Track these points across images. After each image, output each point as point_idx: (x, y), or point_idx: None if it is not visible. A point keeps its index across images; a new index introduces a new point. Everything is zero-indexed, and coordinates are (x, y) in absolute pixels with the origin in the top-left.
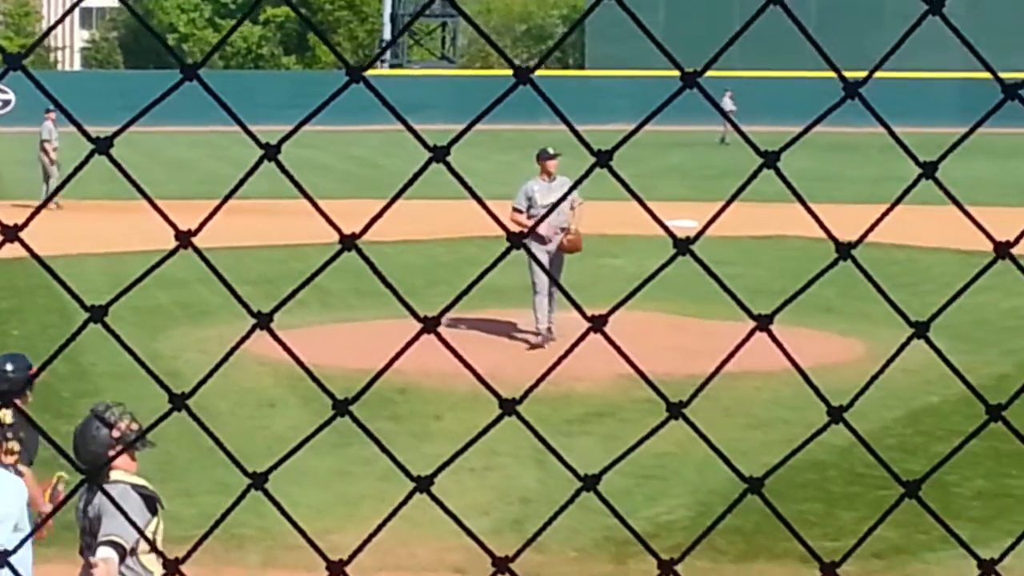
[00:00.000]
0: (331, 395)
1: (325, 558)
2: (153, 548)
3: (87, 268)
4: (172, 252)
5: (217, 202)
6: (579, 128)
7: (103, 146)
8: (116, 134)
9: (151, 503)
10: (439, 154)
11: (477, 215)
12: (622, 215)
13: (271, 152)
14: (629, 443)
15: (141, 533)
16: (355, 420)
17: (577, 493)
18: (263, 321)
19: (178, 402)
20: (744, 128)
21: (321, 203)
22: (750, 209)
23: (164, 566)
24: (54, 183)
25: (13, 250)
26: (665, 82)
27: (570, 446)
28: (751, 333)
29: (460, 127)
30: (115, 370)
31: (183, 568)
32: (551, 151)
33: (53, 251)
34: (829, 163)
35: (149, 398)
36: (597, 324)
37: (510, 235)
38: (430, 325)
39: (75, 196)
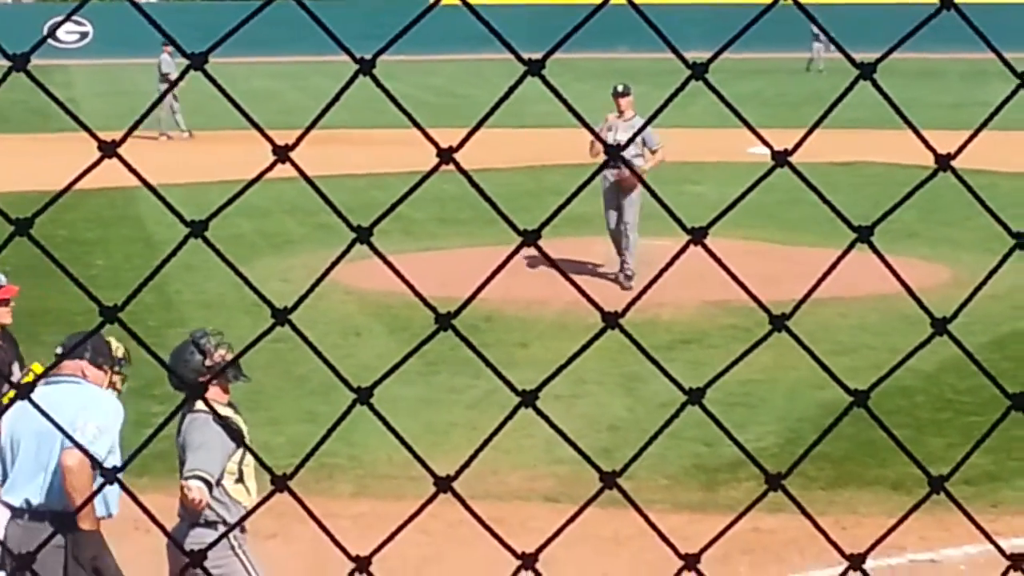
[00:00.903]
0: (433, 308)
1: (432, 473)
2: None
3: (169, 197)
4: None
5: (300, 131)
6: (653, 56)
7: (198, 62)
8: (209, 50)
9: (233, 434)
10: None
11: (559, 143)
12: (701, 142)
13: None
14: (717, 369)
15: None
16: (458, 333)
17: (682, 407)
18: (363, 235)
19: (281, 317)
20: (830, 54)
21: (401, 133)
22: (828, 135)
23: (272, 482)
24: (180, 117)
25: (97, 180)
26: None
27: (657, 372)
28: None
29: (537, 55)
30: (201, 299)
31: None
32: (621, 88)
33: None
34: (909, 89)
35: (236, 327)
36: (697, 236)
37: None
38: (530, 240)
39: (156, 129)
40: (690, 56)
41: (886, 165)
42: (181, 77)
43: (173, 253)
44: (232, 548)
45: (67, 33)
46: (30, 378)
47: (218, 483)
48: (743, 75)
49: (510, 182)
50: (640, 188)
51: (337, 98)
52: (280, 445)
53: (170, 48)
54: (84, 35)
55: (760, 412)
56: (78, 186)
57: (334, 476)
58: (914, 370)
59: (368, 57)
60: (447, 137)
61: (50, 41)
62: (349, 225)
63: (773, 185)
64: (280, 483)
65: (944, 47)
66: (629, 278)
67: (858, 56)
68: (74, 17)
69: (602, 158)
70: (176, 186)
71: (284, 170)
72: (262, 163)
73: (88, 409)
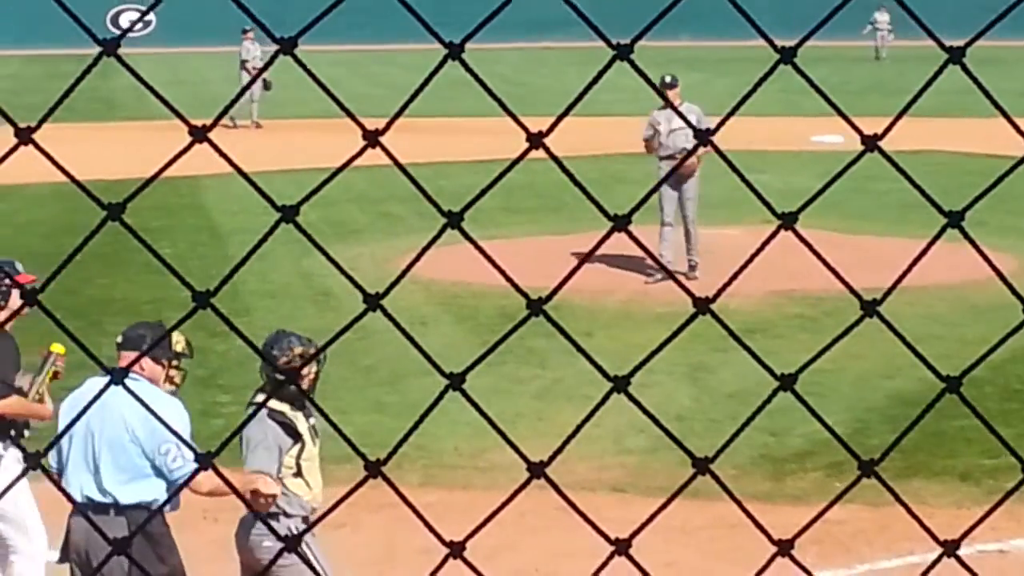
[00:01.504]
0: (525, 295)
1: (525, 459)
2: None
3: (234, 186)
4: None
5: (365, 120)
6: (717, 44)
7: (287, 46)
8: (299, 34)
9: (289, 430)
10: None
11: (622, 131)
12: (764, 130)
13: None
14: (784, 358)
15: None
16: (548, 319)
17: (774, 392)
18: (454, 220)
19: (372, 302)
20: (899, 43)
21: (467, 121)
22: (898, 123)
23: (365, 467)
24: (256, 107)
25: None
26: None
27: (725, 361)
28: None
29: (599, 45)
30: (266, 288)
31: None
32: (669, 79)
33: (203, 170)
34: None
35: (300, 318)
36: (788, 221)
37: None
38: (621, 225)
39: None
40: (751, 45)
41: (952, 153)
42: (271, 62)
43: (264, 238)
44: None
45: (130, 22)
46: (61, 351)
47: (277, 478)
48: (807, 63)
49: (576, 169)
50: (697, 179)
51: (426, 83)
52: (348, 435)
53: (252, 34)
54: (147, 23)
55: (828, 401)
56: (141, 174)
57: (402, 466)
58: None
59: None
60: (512, 126)
61: (113, 29)
62: (440, 210)
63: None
64: (373, 469)
65: (1010, 34)
66: (693, 268)
67: (920, 43)
68: (138, 6)
69: (660, 152)
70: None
71: (366, 157)
72: (326, 151)
73: (157, 427)
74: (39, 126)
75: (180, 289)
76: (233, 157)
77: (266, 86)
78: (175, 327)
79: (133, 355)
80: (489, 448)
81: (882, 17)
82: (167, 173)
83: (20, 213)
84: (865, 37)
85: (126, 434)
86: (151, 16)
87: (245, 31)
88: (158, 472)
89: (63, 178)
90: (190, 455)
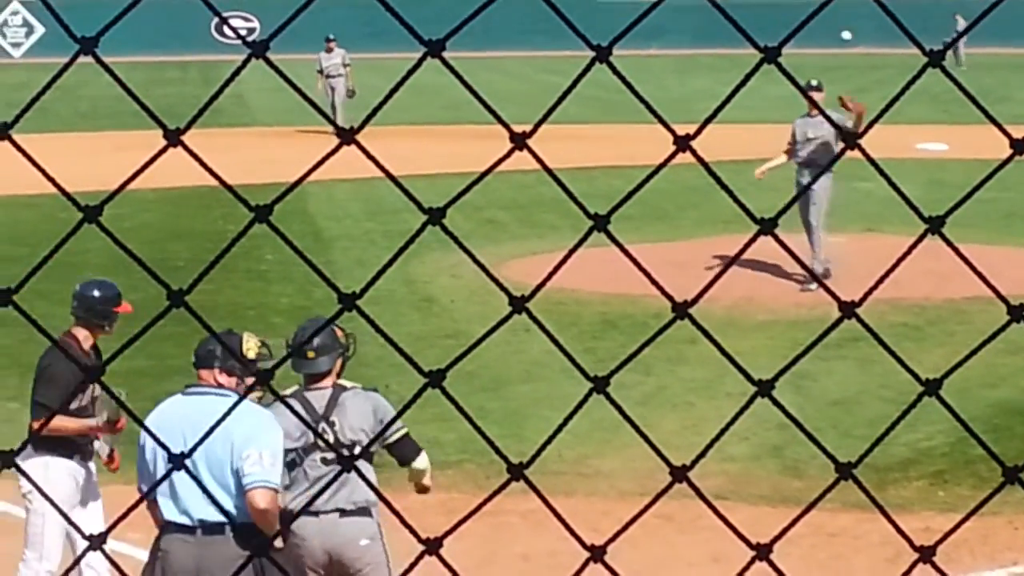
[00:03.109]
0: (671, 298)
1: (669, 463)
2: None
3: (337, 192)
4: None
5: (466, 127)
6: (817, 52)
7: (436, 48)
8: (446, 37)
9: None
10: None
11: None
12: (869, 138)
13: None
14: (887, 366)
15: None
16: (693, 322)
17: (920, 397)
18: (600, 224)
19: (518, 305)
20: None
21: (571, 128)
22: (992, 131)
23: (508, 471)
24: (340, 112)
25: (265, 175)
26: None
27: (828, 370)
28: None
29: (703, 52)
30: (370, 295)
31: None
32: (815, 83)
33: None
34: None
35: (405, 323)
36: (934, 225)
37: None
38: (767, 229)
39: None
40: (858, 51)
41: None
42: (419, 65)
43: (412, 240)
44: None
45: (242, 30)
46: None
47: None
48: (904, 71)
49: (677, 178)
50: (824, 187)
51: (569, 91)
52: (450, 441)
53: (334, 44)
54: (252, 31)
55: (931, 411)
56: (246, 181)
57: (503, 472)
58: None
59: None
60: (616, 133)
61: (217, 37)
62: (587, 213)
63: (941, 181)
64: (516, 472)
65: None
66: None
67: (1009, 51)
68: (243, 13)
69: (796, 160)
70: (344, 181)
71: (451, 164)
72: (425, 158)
73: (251, 435)
74: (188, 128)
75: (282, 295)
76: (333, 162)
77: (349, 94)
78: (324, 326)
79: (207, 373)
80: (591, 455)
81: (962, 23)
82: (274, 179)
83: (126, 219)
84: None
85: (232, 451)
86: (256, 23)
87: (328, 40)
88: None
89: (166, 184)
90: (270, 467)
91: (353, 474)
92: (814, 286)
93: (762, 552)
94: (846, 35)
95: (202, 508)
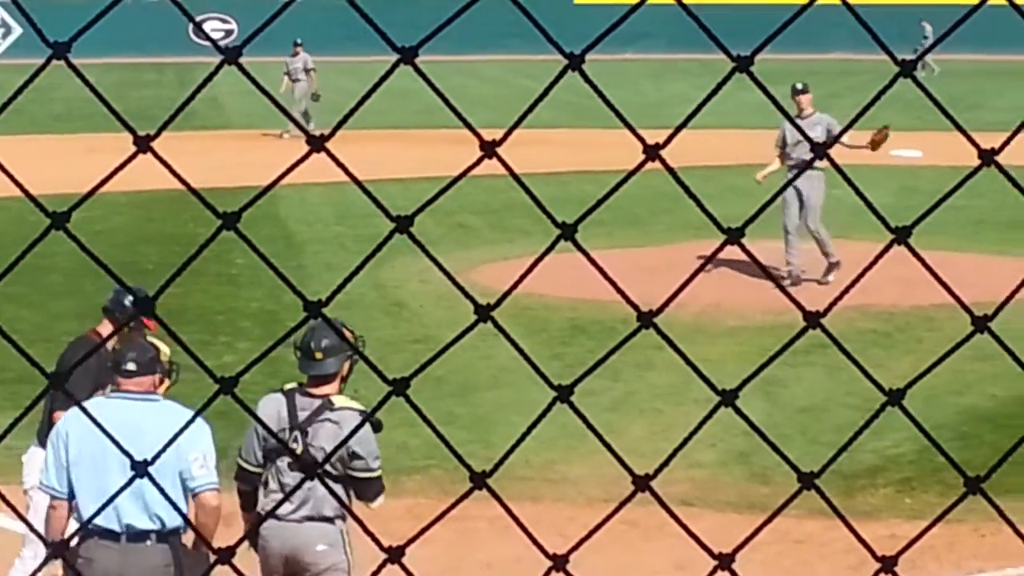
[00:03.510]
0: (636, 307)
1: (631, 472)
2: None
3: (309, 196)
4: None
5: (439, 131)
6: (798, 57)
7: (408, 55)
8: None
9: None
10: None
11: (696, 144)
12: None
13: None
14: (855, 373)
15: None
16: (658, 331)
17: (882, 407)
18: (568, 232)
19: (483, 313)
20: (946, 56)
21: (544, 133)
22: (960, 138)
23: (471, 479)
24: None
25: (236, 179)
26: (883, 10)
27: (797, 376)
28: None
29: (680, 57)
30: (340, 299)
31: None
32: (800, 85)
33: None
34: None
35: (376, 328)
36: (901, 236)
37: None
38: (735, 237)
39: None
40: (837, 57)
41: None
42: (391, 72)
43: (379, 247)
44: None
45: (213, 31)
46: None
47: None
48: (879, 77)
49: (649, 184)
50: (820, 190)
51: (541, 99)
52: (416, 446)
53: (300, 49)
54: (229, 32)
55: (897, 418)
56: (214, 184)
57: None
58: None
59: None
60: (589, 139)
61: (195, 39)
62: (554, 221)
63: (914, 188)
64: (479, 480)
65: None
66: (831, 269)
67: (981, 57)
68: (220, 15)
69: (787, 163)
70: (316, 185)
71: (423, 169)
72: (398, 162)
73: (192, 439)
74: (158, 134)
75: (252, 300)
76: (305, 167)
77: (314, 97)
78: (285, 338)
79: (148, 380)
80: (558, 461)
81: (929, 30)
82: (247, 182)
83: (97, 221)
84: (907, 51)
85: (172, 456)
86: (234, 25)
87: (295, 44)
88: (181, 482)
89: (137, 187)
90: (213, 468)
91: (316, 486)
92: (831, 276)
93: (724, 561)
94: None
95: (130, 514)
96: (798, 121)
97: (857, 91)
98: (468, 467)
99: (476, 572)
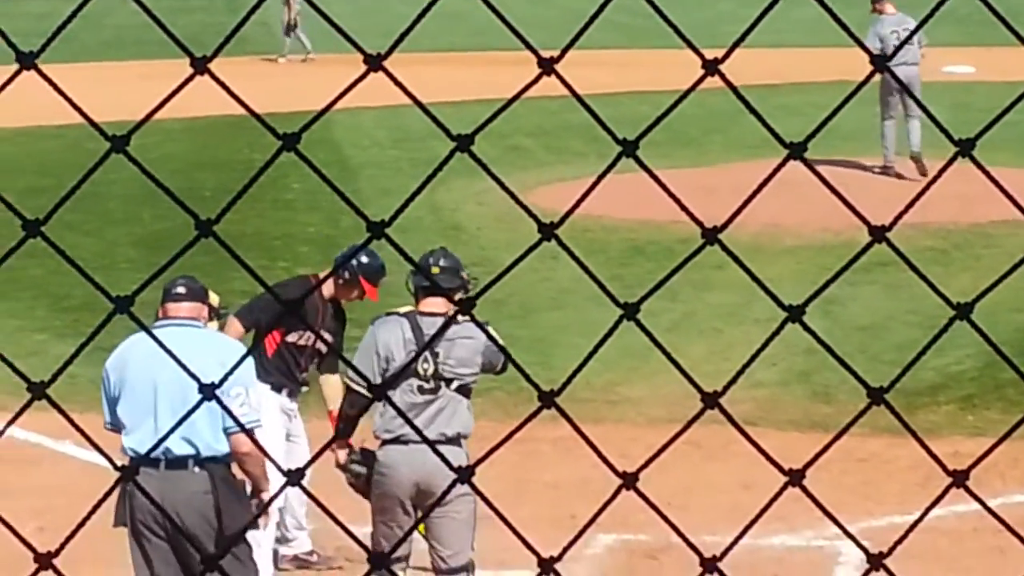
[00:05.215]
0: (700, 223)
1: (699, 389)
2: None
3: (363, 120)
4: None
5: (492, 53)
6: None
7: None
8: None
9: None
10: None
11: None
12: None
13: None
14: (915, 291)
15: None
16: (724, 247)
17: (951, 321)
18: (629, 149)
19: (547, 232)
20: None
21: (596, 54)
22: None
23: (539, 398)
24: (290, 41)
25: (290, 103)
26: None
27: (856, 295)
28: None
29: None
30: (397, 223)
31: None
32: None
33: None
34: None
35: (430, 248)
36: (965, 148)
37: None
38: (797, 153)
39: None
40: None
41: None
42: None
43: (440, 167)
44: None
45: None
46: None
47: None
48: None
49: (704, 103)
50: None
51: (596, 16)
52: None
53: None
54: None
55: (959, 336)
56: (271, 109)
57: (533, 400)
58: None
59: None
60: (642, 59)
61: None
62: (615, 138)
63: (968, 104)
64: (547, 399)
65: None
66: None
67: None
68: None
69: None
70: (370, 108)
71: (478, 91)
72: (452, 85)
73: (228, 367)
74: (214, 56)
75: (308, 224)
76: (360, 90)
77: (292, 23)
78: (356, 252)
79: (196, 307)
80: (619, 382)
81: None
82: (301, 107)
83: (152, 149)
84: None
85: (212, 381)
86: None
87: None
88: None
89: (192, 113)
90: (256, 405)
91: (447, 405)
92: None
93: (795, 478)
94: None
95: (169, 439)
96: (887, 18)
97: (911, 6)
98: (536, 386)
99: (543, 492)
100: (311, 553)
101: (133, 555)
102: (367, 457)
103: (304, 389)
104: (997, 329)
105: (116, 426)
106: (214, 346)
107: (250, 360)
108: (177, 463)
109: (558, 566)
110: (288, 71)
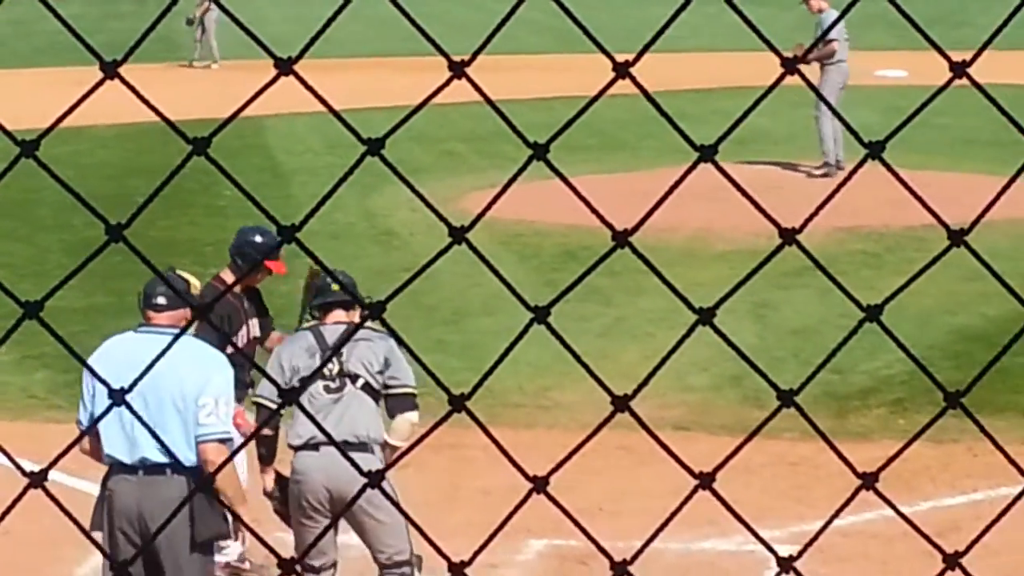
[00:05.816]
0: (611, 227)
1: (610, 392)
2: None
3: (297, 126)
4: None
5: (427, 58)
6: None
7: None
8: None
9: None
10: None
11: (683, 68)
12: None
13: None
14: (843, 295)
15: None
16: (635, 252)
17: (860, 323)
18: (539, 152)
19: (458, 235)
20: None
21: (530, 58)
22: (956, 57)
23: (450, 402)
24: (200, 47)
25: (223, 110)
26: None
27: (789, 299)
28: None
29: None
30: (329, 230)
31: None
32: None
33: (264, 110)
34: None
35: (365, 257)
36: (874, 150)
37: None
38: (708, 156)
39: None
40: None
41: (1016, 87)
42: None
43: (351, 170)
44: None
45: None
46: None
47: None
48: None
49: (636, 108)
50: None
51: (507, 19)
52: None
53: None
54: None
55: (889, 340)
56: (206, 116)
57: (466, 405)
58: None
59: None
60: (572, 63)
61: None
62: (527, 142)
63: (900, 108)
64: (458, 403)
65: None
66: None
67: None
68: None
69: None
70: (303, 114)
71: (410, 96)
72: (385, 90)
73: (208, 379)
74: (124, 60)
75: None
76: (297, 97)
77: (187, 21)
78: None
79: (180, 313)
80: (552, 387)
81: None
82: (228, 114)
83: (84, 155)
84: None
85: (187, 390)
86: None
87: None
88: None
89: (126, 119)
90: (224, 416)
91: (353, 403)
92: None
93: (704, 481)
94: None
95: (145, 447)
96: (832, 13)
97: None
98: (447, 390)
99: (475, 498)
100: (243, 560)
101: (105, 559)
102: (284, 485)
103: (250, 391)
104: (930, 332)
105: (86, 427)
106: (191, 354)
107: (229, 372)
108: (154, 469)
109: (493, 572)
110: (223, 77)
